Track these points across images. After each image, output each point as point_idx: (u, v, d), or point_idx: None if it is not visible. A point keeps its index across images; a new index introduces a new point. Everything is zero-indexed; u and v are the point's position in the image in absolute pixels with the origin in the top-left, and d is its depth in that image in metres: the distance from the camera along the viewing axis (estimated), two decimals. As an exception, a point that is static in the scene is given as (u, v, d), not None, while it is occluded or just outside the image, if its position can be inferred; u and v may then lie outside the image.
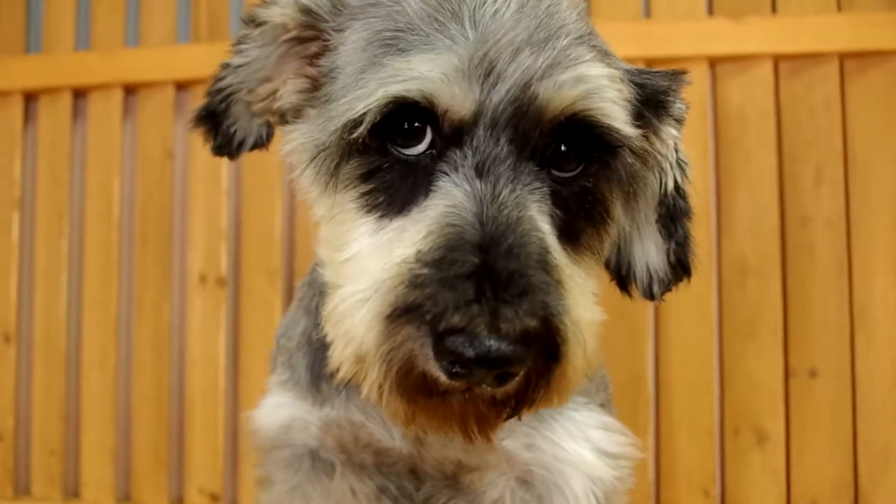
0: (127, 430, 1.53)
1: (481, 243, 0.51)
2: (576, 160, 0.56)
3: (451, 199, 0.53)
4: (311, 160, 0.59)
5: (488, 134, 0.54)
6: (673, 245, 0.63)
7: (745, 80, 1.42)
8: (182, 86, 1.55)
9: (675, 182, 0.63)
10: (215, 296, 1.49)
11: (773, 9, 1.43)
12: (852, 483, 1.32)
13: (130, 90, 1.57)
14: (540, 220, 0.54)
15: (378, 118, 0.55)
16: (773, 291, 1.37)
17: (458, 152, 0.55)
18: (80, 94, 1.58)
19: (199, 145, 0.77)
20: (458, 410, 0.52)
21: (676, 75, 0.63)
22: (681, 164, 0.64)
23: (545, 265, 0.51)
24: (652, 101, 0.62)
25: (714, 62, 1.42)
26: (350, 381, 0.53)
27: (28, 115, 1.59)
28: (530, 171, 0.55)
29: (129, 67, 1.53)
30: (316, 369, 0.72)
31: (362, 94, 0.55)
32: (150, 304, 1.52)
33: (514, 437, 0.66)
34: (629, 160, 0.57)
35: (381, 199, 0.57)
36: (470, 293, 0.48)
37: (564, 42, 0.56)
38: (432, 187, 0.55)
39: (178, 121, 1.53)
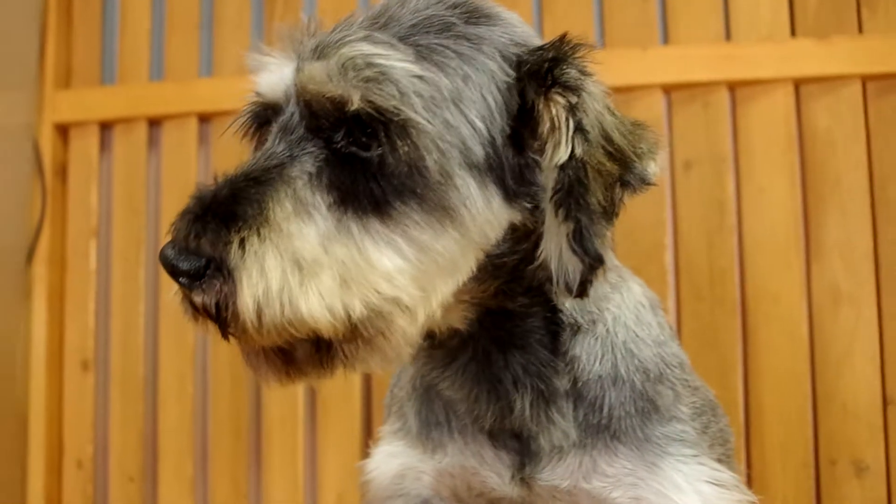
0: (204, 458, 1.53)
1: (219, 184, 0.56)
2: (374, 138, 0.56)
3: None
4: None
5: (290, 110, 0.59)
6: (571, 226, 0.56)
7: (831, 101, 1.39)
8: None
9: (572, 152, 0.57)
10: (293, 325, 1.48)
11: (860, 28, 1.40)
12: (956, 515, 1.29)
13: (204, 119, 1.56)
14: (294, 174, 0.56)
15: (243, 123, 0.66)
16: (867, 317, 1.34)
17: (273, 127, 0.60)
18: (154, 123, 1.59)
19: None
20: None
21: (560, 42, 0.60)
22: (582, 132, 0.57)
23: (252, 203, 0.54)
24: (533, 76, 0.59)
25: (799, 84, 1.40)
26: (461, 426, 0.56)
27: (104, 145, 1.60)
28: (312, 142, 0.57)
29: (202, 97, 1.53)
30: (423, 416, 0.73)
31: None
32: None
33: (621, 488, 0.66)
34: (421, 139, 0.55)
35: None
36: (181, 215, 0.56)
37: (356, 26, 0.59)
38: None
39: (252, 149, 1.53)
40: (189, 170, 1.56)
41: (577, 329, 0.67)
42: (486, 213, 0.58)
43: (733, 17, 1.43)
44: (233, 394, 1.51)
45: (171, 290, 0.58)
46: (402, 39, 0.58)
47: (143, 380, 1.54)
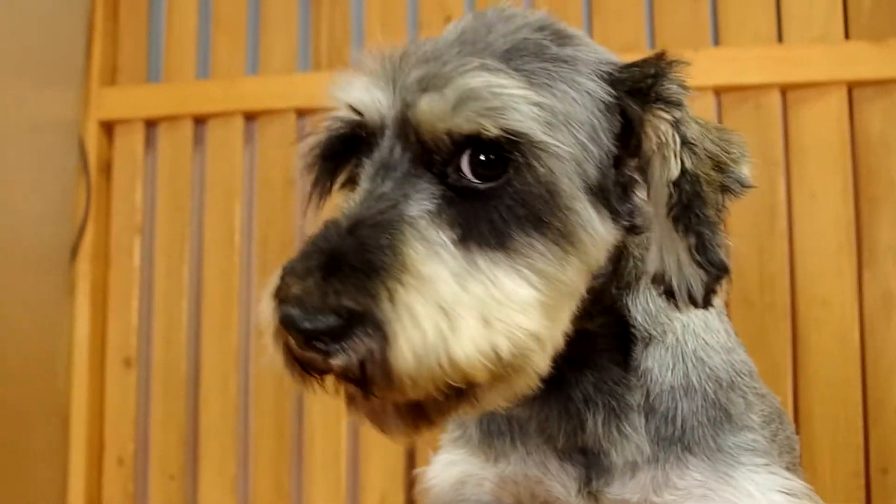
0: (246, 457, 1.53)
1: (332, 229, 0.53)
2: (497, 168, 0.55)
3: (344, 204, 0.56)
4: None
5: (388, 144, 0.57)
6: (693, 240, 0.57)
7: (885, 105, 1.37)
8: (302, 113, 1.53)
9: (683, 167, 0.57)
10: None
11: (916, 30, 1.38)
12: None
13: (250, 118, 1.57)
14: (413, 213, 0.54)
15: (320, 148, 0.63)
16: (920, 325, 1.32)
17: (367, 162, 0.58)
18: (200, 121, 1.59)
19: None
20: (344, 393, 0.54)
21: (658, 59, 0.61)
22: (690, 147, 0.58)
23: (386, 249, 0.52)
24: (634, 93, 0.60)
25: (852, 87, 1.38)
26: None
27: (149, 143, 1.61)
28: (423, 178, 0.56)
29: (248, 95, 1.53)
30: (484, 425, 0.73)
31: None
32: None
33: (691, 500, 0.66)
34: (548, 162, 0.55)
35: None
36: (298, 268, 0.51)
37: (460, 54, 0.57)
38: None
39: (299, 148, 1.52)
40: (234, 168, 1.56)
41: (648, 341, 0.66)
42: (601, 237, 0.58)
43: (785, 18, 1.41)
44: (275, 393, 1.51)
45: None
46: (506, 65, 0.57)
47: (185, 378, 1.54)
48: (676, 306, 0.60)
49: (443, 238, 0.54)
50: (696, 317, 0.68)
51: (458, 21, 0.62)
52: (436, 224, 0.55)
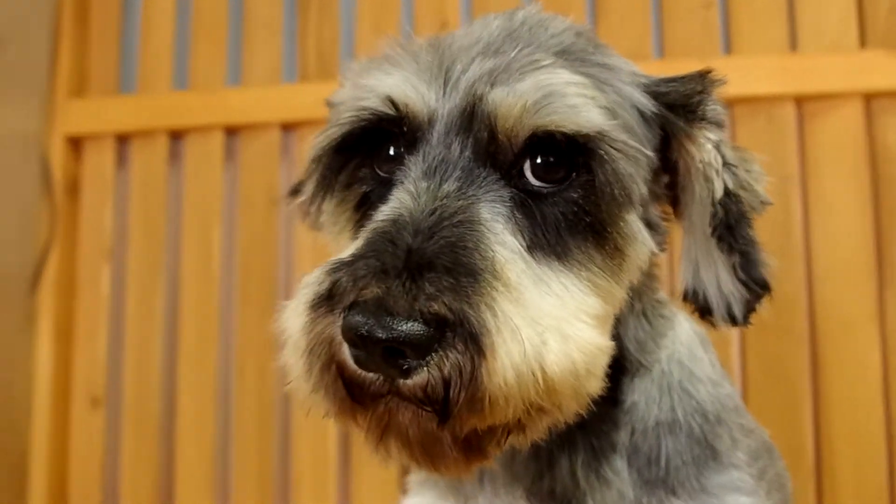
0: (227, 504, 1.43)
1: (405, 228, 0.51)
2: (562, 170, 0.55)
3: (395, 202, 0.54)
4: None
5: (441, 140, 0.55)
6: (737, 258, 0.59)
7: (903, 117, 1.33)
8: (288, 127, 1.47)
9: (726, 187, 0.60)
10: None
11: (933, 39, 1.35)
12: None
13: (232, 132, 1.49)
14: (487, 216, 0.53)
15: (339, 138, 0.59)
16: (946, 345, 1.27)
17: (412, 158, 0.56)
18: (176, 136, 1.51)
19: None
20: (390, 422, 0.50)
21: (703, 77, 0.62)
22: (730, 168, 0.61)
23: (475, 252, 0.50)
24: (677, 108, 0.61)
25: (870, 98, 1.34)
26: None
27: (120, 160, 1.53)
28: (488, 178, 0.55)
29: (230, 107, 1.46)
30: None
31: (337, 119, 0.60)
32: (253, 369, 1.42)
33: None
34: (621, 164, 0.55)
35: (360, 221, 0.59)
36: (373, 268, 0.48)
37: (525, 50, 0.57)
38: (390, 196, 0.56)
39: (284, 165, 1.45)
40: (213, 188, 1.48)
41: (636, 372, 0.65)
42: (644, 253, 0.59)
43: (799, 26, 1.37)
44: (259, 434, 1.41)
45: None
46: (570, 65, 0.57)
47: (158, 419, 1.45)
48: (712, 324, 0.62)
49: (517, 244, 0.53)
50: (682, 345, 0.68)
51: (484, 20, 0.62)
52: (510, 229, 0.53)
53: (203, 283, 1.45)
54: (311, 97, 1.30)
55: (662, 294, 0.70)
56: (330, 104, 0.68)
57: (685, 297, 0.61)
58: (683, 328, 0.69)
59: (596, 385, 0.52)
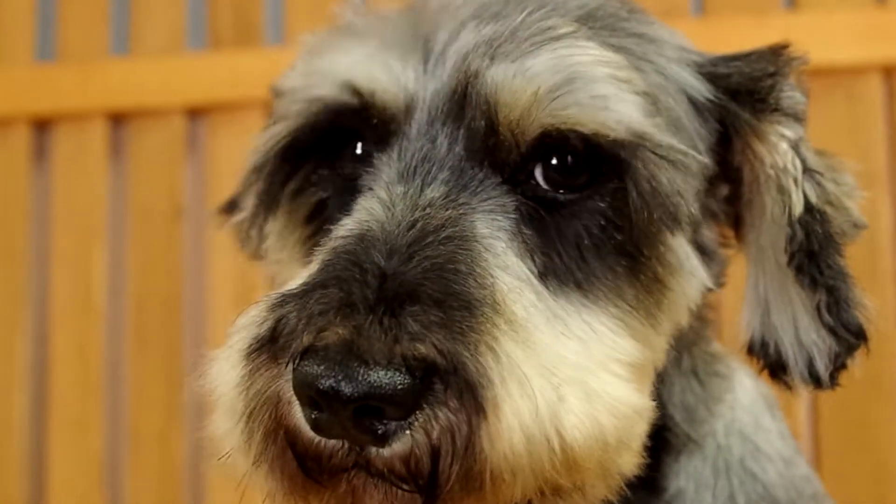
0: None
1: (375, 247, 0.46)
2: (585, 174, 0.50)
3: (361, 213, 0.49)
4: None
5: (423, 132, 0.50)
6: (823, 297, 0.52)
7: None
8: (196, 113, 1.31)
9: (807, 201, 0.53)
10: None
11: None
12: None
13: (117, 119, 1.33)
14: (485, 231, 0.48)
15: (286, 140, 0.55)
16: None
17: (383, 157, 0.51)
18: (41, 124, 1.34)
19: (221, 196, 0.74)
20: None
21: (776, 53, 0.55)
22: (813, 176, 0.54)
23: (469, 278, 0.44)
24: (741, 96, 0.55)
25: (891, 71, 1.18)
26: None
27: None
28: (486, 181, 0.49)
29: (114, 87, 1.30)
30: None
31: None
32: (152, 436, 1.27)
33: None
34: (665, 175, 0.49)
35: (314, 239, 0.55)
36: (334, 300, 0.42)
37: (536, 14, 0.51)
38: (355, 206, 0.51)
39: (191, 163, 1.29)
40: (94, 193, 1.31)
41: (683, 448, 0.60)
42: (695, 288, 0.53)
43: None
44: None
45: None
46: (595, 35, 0.52)
47: None
48: (787, 385, 0.57)
49: (526, 270, 0.48)
50: (743, 411, 0.64)
51: None
52: (515, 249, 0.48)
53: (81, 320, 1.31)
54: (226, 71, 1.24)
55: (717, 345, 0.66)
56: (276, 92, 0.63)
57: (750, 350, 0.57)
58: (746, 389, 0.65)
59: (630, 460, 0.48)
